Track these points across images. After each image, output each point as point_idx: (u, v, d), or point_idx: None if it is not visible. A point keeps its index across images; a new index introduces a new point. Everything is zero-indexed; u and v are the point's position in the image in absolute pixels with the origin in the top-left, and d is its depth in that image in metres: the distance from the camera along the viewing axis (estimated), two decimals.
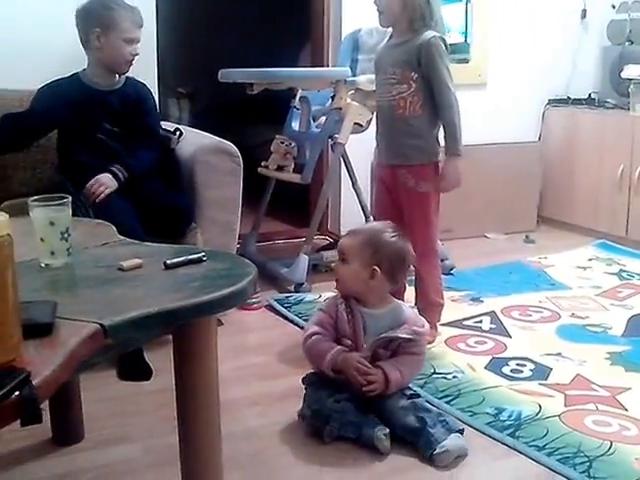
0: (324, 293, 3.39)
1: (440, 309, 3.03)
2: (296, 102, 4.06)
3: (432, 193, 2.86)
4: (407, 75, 2.78)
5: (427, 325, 2.42)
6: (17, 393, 1.09)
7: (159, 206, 2.98)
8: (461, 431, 2.23)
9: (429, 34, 2.75)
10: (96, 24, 3.00)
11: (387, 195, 2.98)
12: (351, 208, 4.35)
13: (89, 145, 3.04)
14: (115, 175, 2.93)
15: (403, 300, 2.85)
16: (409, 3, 2.75)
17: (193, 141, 3.21)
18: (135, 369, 2.70)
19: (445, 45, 2.78)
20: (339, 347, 2.30)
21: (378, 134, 3.01)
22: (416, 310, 2.88)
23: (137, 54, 3.10)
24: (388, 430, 2.18)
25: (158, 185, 3.12)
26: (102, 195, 2.85)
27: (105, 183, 2.88)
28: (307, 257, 3.71)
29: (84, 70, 3.11)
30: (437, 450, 2.12)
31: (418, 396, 2.31)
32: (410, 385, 2.39)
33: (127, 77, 3.18)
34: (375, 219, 3.05)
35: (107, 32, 3.00)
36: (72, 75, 3.11)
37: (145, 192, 3.01)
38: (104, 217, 2.30)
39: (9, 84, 3.20)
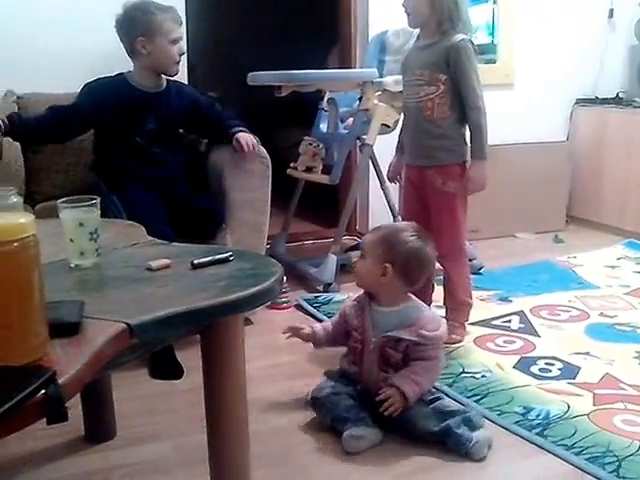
0: (352, 293, 3.40)
1: (469, 308, 3.03)
2: (324, 104, 4.08)
3: (459, 193, 2.87)
4: (435, 77, 2.77)
5: (443, 329, 2.37)
6: (43, 392, 1.10)
7: (189, 208, 3.02)
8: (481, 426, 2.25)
9: (458, 37, 2.74)
10: (140, 32, 2.99)
11: (415, 195, 2.98)
12: (379, 208, 4.36)
13: (126, 147, 3.06)
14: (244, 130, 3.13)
15: (430, 301, 2.87)
16: (437, 5, 2.74)
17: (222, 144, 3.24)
18: (166, 368, 2.73)
19: (473, 47, 2.78)
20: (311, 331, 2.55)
21: (404, 135, 3.02)
22: (443, 311, 2.90)
23: (183, 53, 3.11)
24: (364, 433, 2.20)
25: (188, 187, 3.16)
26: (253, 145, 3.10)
27: (246, 136, 3.10)
28: (335, 257, 3.73)
29: (130, 72, 3.11)
30: (470, 445, 2.14)
31: (438, 399, 2.29)
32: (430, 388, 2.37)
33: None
34: (403, 219, 3.05)
35: (152, 38, 3.00)
36: (117, 75, 3.11)
37: (175, 194, 3.05)
38: (135, 219, 2.32)
39: (47, 88, 3.25)
